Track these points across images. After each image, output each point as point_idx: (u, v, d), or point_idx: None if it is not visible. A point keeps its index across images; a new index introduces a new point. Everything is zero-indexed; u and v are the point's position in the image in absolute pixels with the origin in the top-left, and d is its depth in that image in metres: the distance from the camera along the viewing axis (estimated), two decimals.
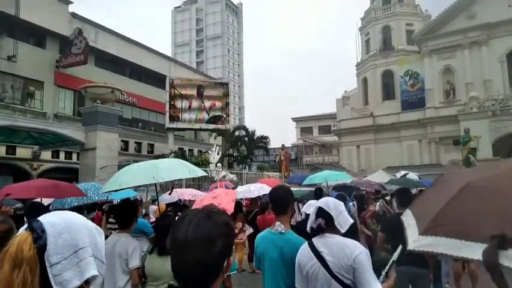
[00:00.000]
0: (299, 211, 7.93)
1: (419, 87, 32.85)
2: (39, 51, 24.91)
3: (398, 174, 13.36)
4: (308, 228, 2.58)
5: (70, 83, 25.59)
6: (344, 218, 2.50)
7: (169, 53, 64.91)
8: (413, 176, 12.96)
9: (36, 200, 6.30)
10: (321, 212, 2.50)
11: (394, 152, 31.95)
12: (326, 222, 2.46)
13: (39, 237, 0.99)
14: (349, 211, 9.23)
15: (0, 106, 22.02)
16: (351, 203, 9.64)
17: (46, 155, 25.00)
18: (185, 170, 4.60)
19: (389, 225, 4.67)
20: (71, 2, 26.45)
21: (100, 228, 1.17)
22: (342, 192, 11.17)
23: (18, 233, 1.04)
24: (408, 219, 1.55)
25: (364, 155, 34.27)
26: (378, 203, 7.67)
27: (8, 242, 1.01)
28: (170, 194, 6.62)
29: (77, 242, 1.04)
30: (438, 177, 1.86)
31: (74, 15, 26.56)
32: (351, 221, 2.53)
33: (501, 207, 1.16)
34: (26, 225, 1.03)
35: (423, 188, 11.04)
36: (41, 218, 1.05)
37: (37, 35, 25.19)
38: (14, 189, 5.69)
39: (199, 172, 4.92)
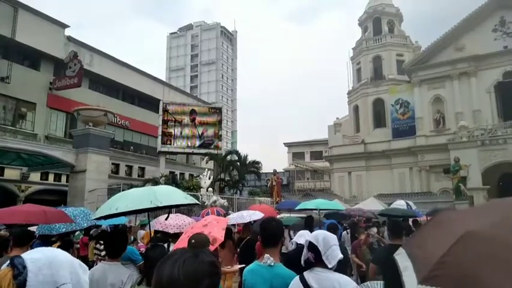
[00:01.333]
0: (290, 238, 7.86)
1: (409, 116, 33.32)
2: (33, 73, 24.97)
3: (395, 205, 13.33)
4: (302, 261, 2.56)
5: (62, 105, 25.56)
6: (333, 253, 2.48)
7: (163, 78, 65.49)
8: (401, 203, 13.00)
9: (25, 227, 6.16)
10: (311, 246, 2.49)
11: (385, 179, 32.07)
12: (315, 257, 2.45)
13: (19, 273, 1.00)
14: (341, 239, 9.17)
15: None
16: (344, 232, 9.58)
17: (35, 176, 24.67)
18: (181, 195, 4.70)
19: (381, 256, 4.63)
20: (68, 26, 26.76)
21: (84, 265, 1.16)
22: (335, 219, 11.14)
23: (2, 268, 1.04)
24: (403, 259, 1.50)
25: (355, 181, 34.33)
26: (371, 233, 7.62)
27: None
28: (166, 219, 6.49)
29: (58, 278, 1.03)
30: (433, 216, 1.84)
31: (69, 38, 26.82)
32: (340, 256, 2.52)
33: (504, 263, 1.14)
34: (8, 262, 1.04)
35: (416, 219, 11.10)
36: (24, 255, 1.05)
37: (32, 57, 25.31)
38: (1, 214, 5.57)
39: (194, 200, 5.03)
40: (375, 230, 9.13)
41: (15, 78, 23.33)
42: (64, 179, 25.19)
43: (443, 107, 31.76)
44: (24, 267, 1.00)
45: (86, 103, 23.85)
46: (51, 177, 25.70)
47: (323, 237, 2.53)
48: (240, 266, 4.62)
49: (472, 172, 25.07)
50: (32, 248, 4.25)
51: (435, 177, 30.46)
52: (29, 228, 5.98)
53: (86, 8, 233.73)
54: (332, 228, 7.87)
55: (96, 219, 5.01)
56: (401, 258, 1.54)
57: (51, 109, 25.74)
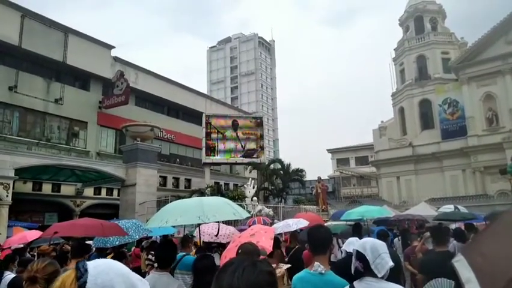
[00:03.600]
0: (339, 247, 7.69)
1: (459, 115, 31.83)
2: (83, 94, 26.42)
3: (443, 209, 12.71)
4: (352, 270, 2.49)
5: (111, 123, 26.80)
6: (382, 262, 2.37)
7: (205, 91, 67.00)
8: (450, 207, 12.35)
9: (82, 240, 6.49)
10: (358, 255, 2.42)
11: (437, 182, 30.67)
12: (364, 266, 2.37)
13: (81, 275, 1.09)
14: (393, 246, 8.84)
15: (47, 146, 23.28)
16: (395, 239, 9.22)
17: (89, 191, 25.96)
18: (230, 210, 4.58)
19: (430, 265, 4.40)
20: (113, 47, 28.16)
21: (144, 280, 1.21)
22: (384, 226, 10.77)
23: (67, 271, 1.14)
24: (463, 269, 1.30)
25: (405, 186, 33.12)
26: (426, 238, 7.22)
27: (53, 283, 1.12)
28: (217, 235, 6.55)
29: (114, 284, 1.10)
30: (496, 217, 1.64)
31: (116, 58, 28.18)
32: (391, 264, 2.41)
33: None
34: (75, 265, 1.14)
35: (471, 223, 10.45)
36: (88, 261, 1.14)
37: (82, 79, 26.83)
38: (62, 228, 5.93)
39: (244, 214, 4.88)
40: (428, 234, 8.67)
41: (68, 99, 24.80)
42: (115, 193, 26.32)
43: (495, 104, 30.06)
44: (86, 270, 1.10)
45: (134, 119, 24.87)
46: (103, 192, 26.95)
47: (370, 246, 2.44)
48: (286, 266, 4.56)
49: None
50: (89, 260, 4.45)
51: (491, 178, 28.75)
52: (86, 241, 6.29)
53: (130, 29, 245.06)
54: (382, 235, 7.63)
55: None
56: (461, 266, 1.35)
57: (102, 127, 27.07)
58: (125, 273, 1.16)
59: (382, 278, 2.37)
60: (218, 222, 6.40)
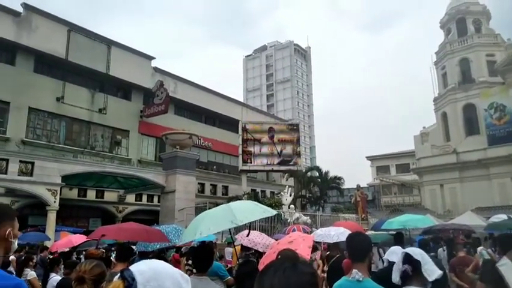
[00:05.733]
0: (380, 257, 7.46)
1: (507, 120, 30.20)
2: (125, 103, 27.44)
3: (494, 218, 12.00)
4: (394, 278, 2.40)
5: (152, 131, 27.63)
6: (432, 268, 2.30)
7: (241, 98, 67.70)
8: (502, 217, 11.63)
9: (125, 242, 6.70)
10: (407, 258, 2.34)
11: (483, 191, 29.15)
12: (413, 269, 2.29)
13: (129, 285, 1.09)
14: (437, 257, 8.46)
15: (91, 154, 24.31)
16: (440, 249, 8.81)
17: (130, 198, 26.80)
18: (259, 210, 4.59)
19: (492, 273, 4.14)
20: (154, 58, 29.11)
21: (186, 275, 1.21)
22: (426, 236, 10.36)
23: (114, 280, 1.14)
24: (509, 273, 1.26)
25: (449, 194, 31.73)
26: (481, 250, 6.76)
27: (100, 284, 1.12)
28: (248, 235, 6.60)
29: None
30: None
31: (156, 69, 29.11)
32: (440, 272, 2.32)
33: None
34: (119, 274, 1.13)
35: None
36: (132, 267, 1.14)
37: (124, 89, 27.90)
38: (109, 231, 6.16)
39: (272, 211, 4.85)
40: (480, 249, 8.15)
41: (111, 109, 25.84)
42: (155, 199, 27.01)
43: None
44: (133, 279, 1.09)
45: (173, 128, 25.51)
46: (144, 198, 27.74)
47: (420, 252, 2.37)
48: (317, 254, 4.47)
49: None
50: (132, 263, 4.57)
51: None
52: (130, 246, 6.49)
53: (169, 39, 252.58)
54: (424, 245, 7.33)
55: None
56: (507, 270, 1.29)
57: (143, 135, 27.96)
58: (170, 272, 1.17)
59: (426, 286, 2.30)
60: (248, 226, 6.39)
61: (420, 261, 2.31)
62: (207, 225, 4.24)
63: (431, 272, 2.29)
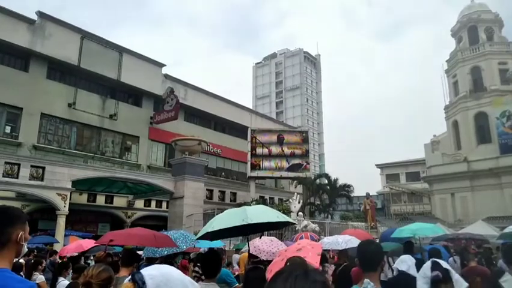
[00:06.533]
0: (389, 266, 7.36)
1: None
2: (136, 110, 27.66)
3: (509, 229, 11.72)
4: (421, 286, 2.37)
5: (162, 137, 27.78)
6: (460, 278, 2.30)
7: (250, 105, 67.81)
8: None
9: (133, 248, 6.71)
10: (436, 266, 2.34)
11: (495, 200, 28.71)
12: (444, 275, 2.28)
13: None
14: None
15: (101, 159, 24.50)
16: (450, 258, 8.65)
17: (139, 203, 26.90)
18: (273, 214, 4.74)
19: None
20: (164, 65, 29.35)
21: (195, 283, 1.21)
22: (437, 246, 10.16)
23: (124, 282, 1.14)
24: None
25: (460, 203, 31.30)
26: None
27: None
28: (260, 238, 6.63)
29: None
30: None
31: (166, 76, 29.34)
32: (466, 284, 2.30)
33: None
34: (129, 277, 1.13)
35: None
36: (142, 271, 1.14)
37: (135, 95, 28.14)
38: (117, 236, 6.16)
39: (287, 218, 4.98)
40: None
41: (121, 115, 26.06)
42: (164, 205, 27.09)
43: None
44: (144, 282, 1.09)
45: (182, 134, 25.63)
46: (153, 204, 27.82)
47: (445, 263, 2.40)
48: (332, 267, 4.45)
49: None
50: (139, 269, 4.56)
51: None
52: (137, 251, 6.48)
53: (180, 47, 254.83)
54: (434, 254, 7.20)
55: (198, 238, 5.36)
56: (510, 286, 1.25)
57: (152, 141, 28.13)
58: (180, 279, 1.17)
59: None
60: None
61: (449, 270, 2.30)
62: (220, 222, 4.52)
63: (461, 284, 2.29)
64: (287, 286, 1.05)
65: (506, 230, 12.39)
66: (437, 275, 2.29)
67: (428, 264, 2.39)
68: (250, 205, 22.23)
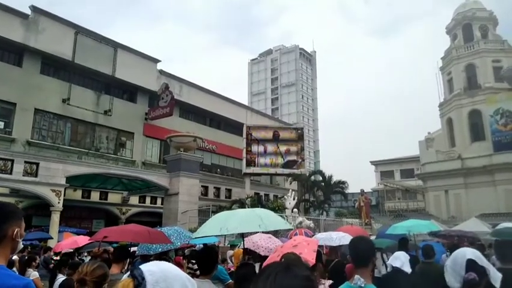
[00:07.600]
0: (383, 262, 7.40)
1: None
2: (130, 106, 27.53)
3: (502, 226, 11.83)
4: (451, 282, 2.30)
5: (156, 133, 27.69)
6: (495, 274, 2.22)
7: (245, 102, 67.71)
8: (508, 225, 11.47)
9: (128, 244, 6.69)
10: (471, 265, 2.27)
11: (488, 197, 28.97)
12: (479, 277, 2.22)
13: (139, 284, 1.10)
14: (440, 262, 8.37)
15: (96, 155, 24.39)
16: (443, 255, 8.71)
17: (134, 200, 26.83)
18: (282, 222, 5.05)
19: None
20: (159, 61, 29.23)
21: (192, 280, 1.22)
22: (431, 242, 10.23)
23: (123, 278, 1.15)
24: None
25: (453, 200, 31.56)
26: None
27: (102, 286, 1.13)
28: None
29: None
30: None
31: (161, 72, 29.21)
32: (500, 275, 2.22)
33: None
34: (128, 272, 1.14)
35: None
36: (142, 267, 1.15)
37: (129, 91, 28.00)
38: (111, 233, 6.16)
39: (289, 225, 5.21)
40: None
41: (116, 111, 25.93)
42: (159, 201, 27.03)
43: None
44: (143, 278, 1.10)
45: (177, 130, 25.56)
46: (148, 200, 27.77)
47: (479, 255, 2.28)
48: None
49: None
50: (134, 266, 4.55)
51: None
52: (130, 247, 6.47)
53: (175, 44, 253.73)
54: (427, 251, 7.25)
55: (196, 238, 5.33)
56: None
57: (147, 137, 28.03)
58: (178, 275, 1.17)
59: None
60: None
61: (486, 268, 2.22)
62: (234, 225, 4.43)
63: (497, 277, 2.21)
64: (268, 282, 1.06)
65: (499, 227, 12.52)
66: (473, 279, 2.19)
67: (462, 261, 2.30)
68: (245, 202, 22.26)
